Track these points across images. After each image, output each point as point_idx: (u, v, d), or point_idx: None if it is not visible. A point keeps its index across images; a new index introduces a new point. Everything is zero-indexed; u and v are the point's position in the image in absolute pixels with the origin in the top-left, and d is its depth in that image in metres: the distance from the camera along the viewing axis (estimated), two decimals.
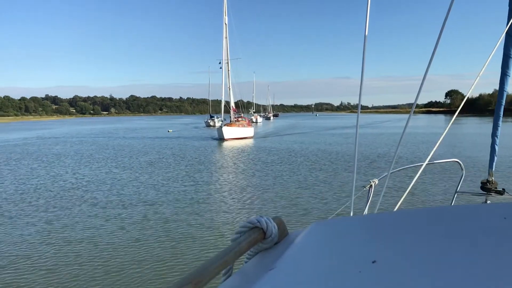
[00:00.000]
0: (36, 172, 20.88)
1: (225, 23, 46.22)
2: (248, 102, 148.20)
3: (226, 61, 47.47)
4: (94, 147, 36.11)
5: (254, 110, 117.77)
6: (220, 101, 54.49)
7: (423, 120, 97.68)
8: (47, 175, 19.87)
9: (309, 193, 14.78)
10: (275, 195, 14.56)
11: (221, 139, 42.69)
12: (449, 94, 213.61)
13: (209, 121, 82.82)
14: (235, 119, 49.95)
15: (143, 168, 21.91)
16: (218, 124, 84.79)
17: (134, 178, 18.59)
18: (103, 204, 13.48)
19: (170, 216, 11.87)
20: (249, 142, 40.39)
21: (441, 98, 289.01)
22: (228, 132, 43.11)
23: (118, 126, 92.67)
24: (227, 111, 51.20)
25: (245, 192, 15.13)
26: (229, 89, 49.79)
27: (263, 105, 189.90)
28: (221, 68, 48.04)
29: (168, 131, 62.79)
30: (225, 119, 49.50)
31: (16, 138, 52.21)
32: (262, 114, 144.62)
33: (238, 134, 44.30)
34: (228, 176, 19.20)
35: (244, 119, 50.87)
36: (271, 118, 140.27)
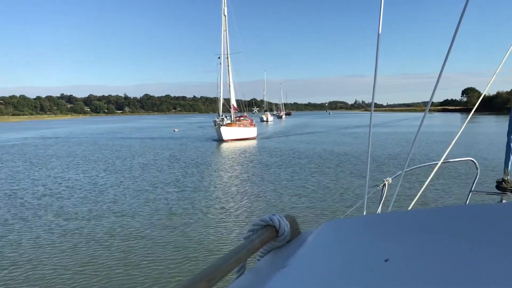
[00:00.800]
0: (17, 176, 19.58)
1: (224, 15, 43.22)
2: (262, 101, 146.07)
3: (226, 56, 44.67)
4: (92, 148, 34.87)
5: (265, 109, 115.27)
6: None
7: (438, 119, 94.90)
8: (26, 179, 18.54)
9: (318, 196, 13.46)
10: (268, 202, 12.92)
11: (220, 140, 39.74)
12: (465, 92, 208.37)
13: (218, 120, 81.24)
14: (237, 118, 45.98)
15: (132, 172, 20.45)
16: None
17: (118, 183, 17.12)
18: (68, 216, 11.99)
19: (136, 232, 10.31)
20: (251, 143, 37.97)
21: (457, 96, 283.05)
22: (227, 132, 40.04)
23: (126, 126, 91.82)
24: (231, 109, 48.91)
25: (238, 198, 13.51)
26: (229, 86, 45.88)
27: (276, 104, 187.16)
28: (220, 64, 45.09)
29: (174, 131, 61.46)
30: (224, 118, 45.15)
31: (18, 137, 51.42)
32: (274, 113, 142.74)
33: (239, 135, 41.05)
34: (223, 179, 17.62)
35: (246, 119, 46.90)
36: (283, 116, 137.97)
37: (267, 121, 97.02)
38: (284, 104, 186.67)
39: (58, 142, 41.75)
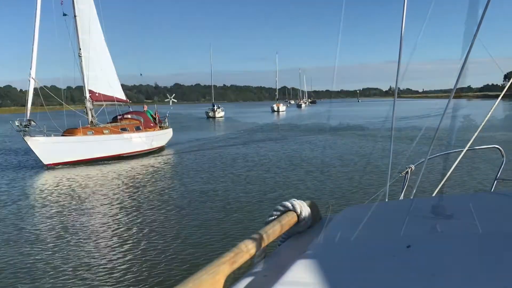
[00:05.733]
0: None
1: None
2: (294, 89, 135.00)
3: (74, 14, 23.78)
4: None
5: (277, 97, 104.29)
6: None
7: (477, 107, 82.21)
8: None
9: None
10: None
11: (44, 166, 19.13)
12: (508, 76, 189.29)
13: (209, 111, 70.98)
14: (119, 117, 24.77)
15: None
16: (219, 114, 71.61)
17: None
18: None
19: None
20: (129, 165, 19.84)
21: (499, 81, 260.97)
22: (48, 151, 19.01)
23: None
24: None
25: None
26: (80, 60, 23.93)
27: (308, 92, 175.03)
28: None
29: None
30: (31, 121, 19.42)
31: None
32: (291, 102, 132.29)
33: (90, 152, 20.63)
34: None
35: (138, 117, 25.76)
36: (303, 105, 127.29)
37: (278, 111, 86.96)
38: (316, 91, 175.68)
39: None
